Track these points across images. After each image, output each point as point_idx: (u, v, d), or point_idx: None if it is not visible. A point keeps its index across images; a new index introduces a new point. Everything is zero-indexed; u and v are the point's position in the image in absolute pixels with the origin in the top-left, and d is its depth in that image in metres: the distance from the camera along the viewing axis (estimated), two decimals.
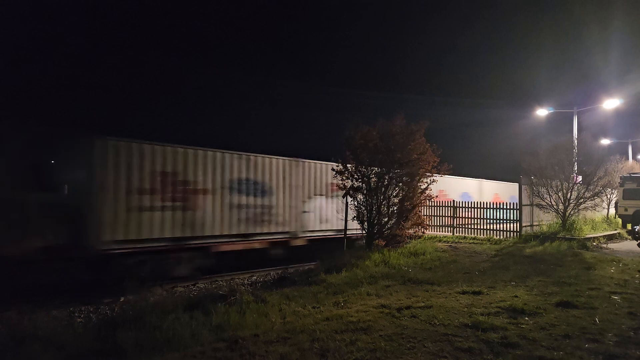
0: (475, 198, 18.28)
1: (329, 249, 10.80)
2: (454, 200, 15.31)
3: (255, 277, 9.53)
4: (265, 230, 10.93)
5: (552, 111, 24.31)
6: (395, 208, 11.08)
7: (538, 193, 13.81)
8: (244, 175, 10.48)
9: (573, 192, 13.59)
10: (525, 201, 13.59)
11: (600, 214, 17.96)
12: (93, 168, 8.08)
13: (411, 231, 11.63)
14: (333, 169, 11.12)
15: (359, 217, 11.04)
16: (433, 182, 11.40)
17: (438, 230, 15.17)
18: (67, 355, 4.39)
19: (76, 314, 6.70)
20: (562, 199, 13.52)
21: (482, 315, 5.30)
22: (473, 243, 12.70)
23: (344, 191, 10.90)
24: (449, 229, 14.92)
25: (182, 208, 9.19)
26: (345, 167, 10.88)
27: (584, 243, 11.57)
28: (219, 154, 10.02)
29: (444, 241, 13.07)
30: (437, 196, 12.58)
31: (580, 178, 14.16)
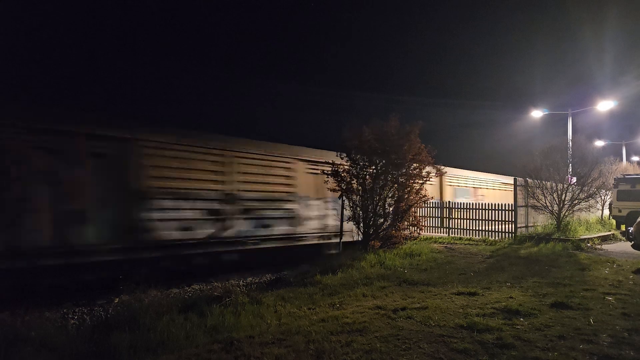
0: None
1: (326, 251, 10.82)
2: (449, 201, 15.35)
3: (250, 278, 9.50)
4: None
5: (546, 113, 24.48)
6: (390, 209, 11.09)
7: (533, 194, 13.87)
8: None
9: (568, 194, 13.65)
10: (520, 202, 13.64)
11: (594, 215, 18.06)
12: None
13: (407, 232, 11.65)
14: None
15: (354, 218, 11.04)
16: (427, 181, 11.44)
17: (434, 231, 15.20)
18: (60, 358, 4.35)
19: (70, 316, 6.65)
20: (556, 200, 13.57)
21: (478, 316, 5.30)
22: (468, 244, 12.73)
23: (340, 192, 10.91)
24: (445, 230, 14.95)
25: None
26: (340, 168, 10.89)
27: (578, 244, 11.62)
28: None
29: (440, 242, 13.09)
30: (433, 197, 12.63)
31: (574, 179, 14.24)
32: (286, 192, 11.00)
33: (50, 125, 7.40)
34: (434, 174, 11.47)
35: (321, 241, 11.77)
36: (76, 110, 8.99)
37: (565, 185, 13.74)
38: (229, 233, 9.72)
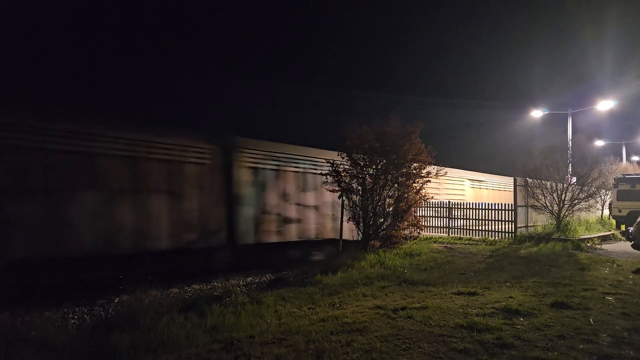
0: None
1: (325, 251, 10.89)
2: (449, 201, 15.35)
3: (250, 278, 9.50)
4: None
5: (546, 112, 24.47)
6: (390, 209, 11.10)
7: (533, 194, 13.86)
8: None
9: (567, 193, 13.64)
10: (520, 202, 13.64)
11: (594, 215, 18.05)
12: None
13: (407, 232, 11.65)
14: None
15: (354, 218, 11.04)
16: (428, 181, 11.45)
17: (434, 231, 15.19)
18: (60, 358, 4.35)
19: (70, 315, 6.65)
20: (556, 200, 13.57)
21: (477, 316, 5.30)
22: (468, 244, 12.74)
23: (340, 192, 10.91)
24: (445, 230, 14.95)
25: None
26: (340, 168, 10.89)
27: (578, 244, 11.62)
28: None
29: (440, 242, 13.09)
30: (432, 197, 12.66)
31: (574, 179, 14.23)
32: None
33: None
34: (434, 174, 11.47)
35: None
36: None
37: (565, 185, 13.74)
38: None
